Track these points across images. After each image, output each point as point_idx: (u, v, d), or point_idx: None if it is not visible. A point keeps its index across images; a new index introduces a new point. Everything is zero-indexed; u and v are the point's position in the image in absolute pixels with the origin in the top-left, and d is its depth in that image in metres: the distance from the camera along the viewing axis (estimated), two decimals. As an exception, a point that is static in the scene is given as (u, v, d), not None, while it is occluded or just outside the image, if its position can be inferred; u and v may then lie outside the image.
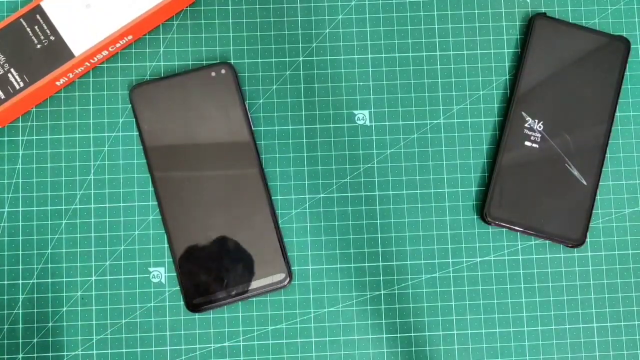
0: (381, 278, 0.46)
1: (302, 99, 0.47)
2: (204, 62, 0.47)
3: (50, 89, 0.45)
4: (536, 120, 0.46)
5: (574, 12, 0.48)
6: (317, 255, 0.46)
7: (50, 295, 0.45)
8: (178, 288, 0.46)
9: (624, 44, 0.47)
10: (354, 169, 0.47)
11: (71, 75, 0.46)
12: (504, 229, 0.47)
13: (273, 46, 0.48)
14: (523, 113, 0.46)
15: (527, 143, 0.46)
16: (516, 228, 0.46)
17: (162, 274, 0.46)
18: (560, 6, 0.48)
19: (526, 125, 0.46)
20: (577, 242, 0.46)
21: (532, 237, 0.47)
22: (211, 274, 0.45)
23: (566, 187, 0.46)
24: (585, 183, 0.46)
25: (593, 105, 0.47)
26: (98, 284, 0.45)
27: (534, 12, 0.48)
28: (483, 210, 0.46)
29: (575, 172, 0.46)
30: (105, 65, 0.47)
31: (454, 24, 0.48)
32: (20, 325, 0.45)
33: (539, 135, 0.46)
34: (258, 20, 0.48)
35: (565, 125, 0.46)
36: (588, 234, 0.47)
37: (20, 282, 0.45)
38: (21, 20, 0.44)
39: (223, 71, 0.46)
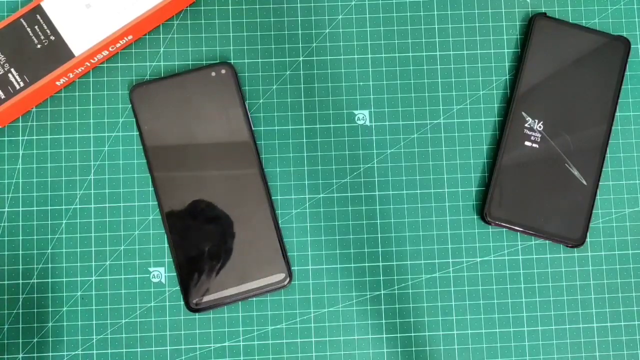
0: (381, 278, 0.46)
1: (302, 99, 0.47)
2: (204, 62, 0.47)
3: (50, 88, 0.45)
4: (536, 120, 0.46)
5: (574, 12, 0.48)
6: (317, 255, 0.46)
7: (50, 295, 0.45)
8: (178, 288, 0.46)
9: (624, 44, 0.47)
10: (354, 169, 0.47)
11: (71, 75, 0.46)
12: (504, 229, 0.47)
13: (273, 46, 0.48)
14: (523, 113, 0.46)
15: (527, 143, 0.46)
16: (516, 228, 0.46)
17: (162, 274, 0.46)
18: (560, 6, 0.48)
19: (526, 125, 0.46)
20: (577, 242, 0.46)
21: (532, 237, 0.47)
22: (211, 273, 0.45)
23: (566, 187, 0.46)
24: (585, 183, 0.46)
25: (593, 105, 0.47)
26: (98, 284, 0.45)
27: (534, 12, 0.48)
28: (483, 210, 0.46)
29: (576, 172, 0.46)
30: (105, 65, 0.47)
31: (453, 24, 0.48)
32: (21, 325, 0.45)
33: (539, 135, 0.46)
34: (258, 20, 0.48)
35: (565, 125, 0.46)
36: (588, 234, 0.47)
37: (21, 282, 0.45)
38: (21, 20, 0.44)
39: (223, 71, 0.46)
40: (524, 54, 0.47)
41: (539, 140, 0.46)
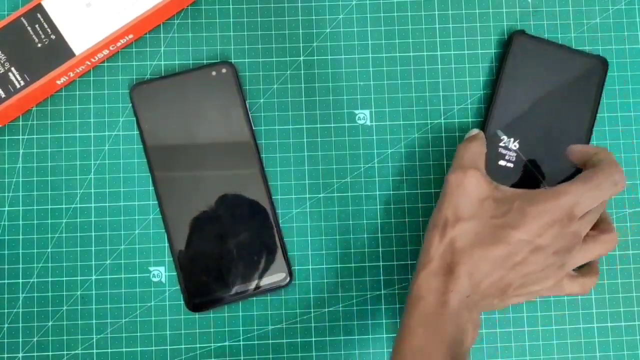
0: (382, 278, 0.46)
1: (303, 99, 0.47)
2: (204, 61, 0.47)
3: (50, 87, 0.45)
4: (512, 139, 0.46)
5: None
6: (318, 254, 0.46)
7: (50, 294, 0.45)
8: (178, 287, 0.46)
9: (602, 64, 0.46)
10: (355, 169, 0.47)
11: (72, 74, 0.45)
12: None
13: (274, 45, 0.48)
14: (498, 131, 0.46)
15: (502, 162, 0.46)
16: None
17: (162, 273, 0.46)
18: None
19: (501, 144, 0.46)
20: None
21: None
22: (211, 273, 0.45)
23: None
24: None
25: (570, 125, 0.46)
26: (98, 283, 0.45)
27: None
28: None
29: None
30: (105, 64, 0.47)
31: (454, 24, 0.48)
32: (20, 324, 0.45)
33: (514, 154, 0.46)
34: (259, 19, 0.48)
35: (541, 144, 0.45)
36: None
37: (21, 281, 0.45)
38: (22, 19, 0.44)
39: (224, 70, 0.46)
40: (500, 71, 0.46)
41: (514, 159, 0.46)
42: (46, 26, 0.44)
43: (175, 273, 0.46)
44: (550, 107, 0.46)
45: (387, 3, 0.48)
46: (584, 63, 0.46)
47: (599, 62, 0.46)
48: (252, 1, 0.48)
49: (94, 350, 0.45)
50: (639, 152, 0.48)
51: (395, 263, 0.46)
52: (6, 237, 0.46)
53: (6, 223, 0.46)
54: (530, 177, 0.45)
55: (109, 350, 0.45)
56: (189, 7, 0.48)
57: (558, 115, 0.46)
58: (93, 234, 0.46)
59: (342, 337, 0.46)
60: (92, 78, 0.47)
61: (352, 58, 0.48)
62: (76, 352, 0.45)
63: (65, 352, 0.45)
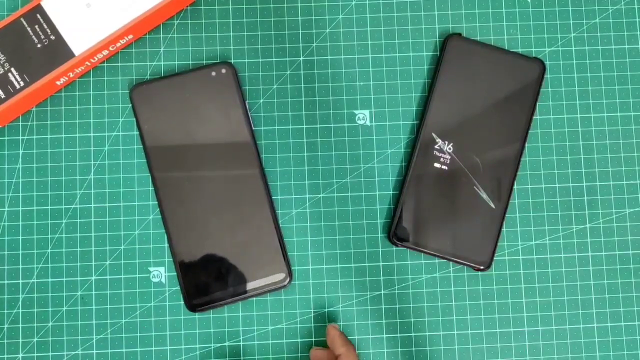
0: (381, 278, 0.46)
1: (303, 99, 0.47)
2: (204, 61, 0.47)
3: (50, 88, 0.45)
4: (446, 142, 0.46)
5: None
6: (317, 255, 0.46)
7: (50, 294, 0.45)
8: (178, 288, 0.46)
9: (539, 66, 0.46)
10: (355, 169, 0.47)
11: (71, 75, 0.45)
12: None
13: (273, 46, 0.48)
14: (433, 134, 0.46)
15: (437, 165, 0.45)
16: (424, 250, 0.45)
17: (162, 273, 0.46)
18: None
19: (436, 147, 0.46)
20: (483, 265, 0.45)
21: (533, 237, 0.47)
22: (211, 273, 0.45)
23: (474, 210, 0.45)
24: (493, 206, 0.45)
25: (505, 128, 0.46)
26: (98, 284, 0.45)
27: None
28: (390, 231, 0.45)
29: (484, 195, 0.45)
30: (105, 64, 0.47)
31: (454, 24, 0.48)
32: (20, 325, 0.45)
33: (449, 157, 0.45)
34: (258, 19, 0.48)
35: (476, 147, 0.45)
36: (495, 257, 0.46)
37: (21, 281, 0.45)
38: (21, 19, 0.44)
39: (223, 71, 0.46)
40: (435, 75, 0.46)
41: (448, 162, 0.46)
42: (46, 27, 0.44)
43: (175, 273, 0.46)
44: (485, 110, 0.46)
45: (387, 3, 0.48)
46: (521, 66, 0.46)
47: (536, 65, 0.46)
48: (252, 1, 0.48)
49: (94, 351, 0.45)
50: (639, 152, 0.48)
51: (395, 263, 0.46)
52: (6, 238, 0.46)
53: (6, 223, 0.46)
54: (464, 180, 0.45)
55: (109, 351, 0.45)
56: (189, 8, 0.48)
57: (493, 118, 0.46)
58: (93, 234, 0.46)
59: (342, 337, 0.46)
60: (91, 78, 0.47)
61: (352, 58, 0.48)
62: (76, 352, 0.45)
63: (65, 353, 0.45)
